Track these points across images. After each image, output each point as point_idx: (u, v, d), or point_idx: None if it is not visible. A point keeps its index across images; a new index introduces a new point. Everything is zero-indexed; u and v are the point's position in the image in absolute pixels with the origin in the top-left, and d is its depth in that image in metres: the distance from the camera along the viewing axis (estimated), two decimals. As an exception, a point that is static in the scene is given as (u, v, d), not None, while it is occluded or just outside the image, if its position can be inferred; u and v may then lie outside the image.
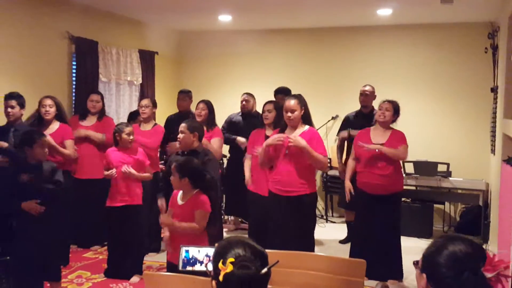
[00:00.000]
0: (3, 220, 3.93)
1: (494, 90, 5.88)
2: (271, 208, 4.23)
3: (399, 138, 4.59)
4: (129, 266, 4.54)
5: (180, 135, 4.14)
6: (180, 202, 3.43)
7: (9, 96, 4.54)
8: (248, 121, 6.07)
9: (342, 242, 5.98)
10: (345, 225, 6.15)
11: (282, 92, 5.93)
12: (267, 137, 4.71)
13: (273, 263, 1.55)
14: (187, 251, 2.38)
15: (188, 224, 3.32)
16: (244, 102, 6.16)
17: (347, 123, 5.81)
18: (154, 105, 5.53)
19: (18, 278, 3.70)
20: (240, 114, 6.23)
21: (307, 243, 4.17)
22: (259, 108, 5.77)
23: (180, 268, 2.43)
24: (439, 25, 6.81)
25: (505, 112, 4.76)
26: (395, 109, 4.66)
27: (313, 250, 4.27)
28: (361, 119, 5.52)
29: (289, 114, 4.13)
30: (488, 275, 1.44)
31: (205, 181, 3.42)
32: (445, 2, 5.46)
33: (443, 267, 1.46)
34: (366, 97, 5.68)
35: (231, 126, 6.13)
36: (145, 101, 5.42)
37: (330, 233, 6.43)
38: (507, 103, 4.77)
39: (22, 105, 4.60)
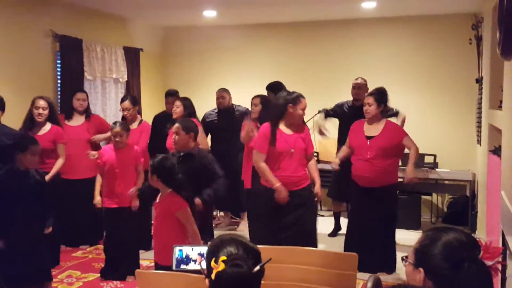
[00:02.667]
0: None
1: (479, 81, 5.93)
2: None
3: (393, 130, 4.61)
4: (125, 267, 4.48)
5: (175, 137, 4.10)
6: (157, 200, 3.47)
7: None
8: (224, 117, 6.06)
9: (330, 235, 6.01)
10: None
11: (270, 89, 5.91)
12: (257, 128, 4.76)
13: (265, 261, 1.55)
14: (180, 250, 2.37)
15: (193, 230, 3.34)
16: (220, 99, 6.11)
17: (337, 113, 5.79)
18: (135, 103, 5.44)
19: (8, 280, 3.66)
20: (216, 111, 6.20)
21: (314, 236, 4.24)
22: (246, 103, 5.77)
23: (173, 268, 2.42)
24: (423, 17, 6.85)
25: (490, 102, 4.81)
26: (378, 100, 4.65)
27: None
28: (354, 112, 5.45)
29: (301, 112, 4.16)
30: (489, 263, 1.44)
31: (176, 181, 3.43)
32: (429, -6, 5.50)
33: (439, 258, 1.45)
34: (359, 89, 5.64)
35: (207, 124, 6.06)
36: (126, 104, 5.32)
37: (319, 226, 6.46)
38: (492, 93, 4.82)
39: (1, 107, 4.47)
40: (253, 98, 5.18)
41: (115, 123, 4.55)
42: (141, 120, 5.45)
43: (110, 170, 4.43)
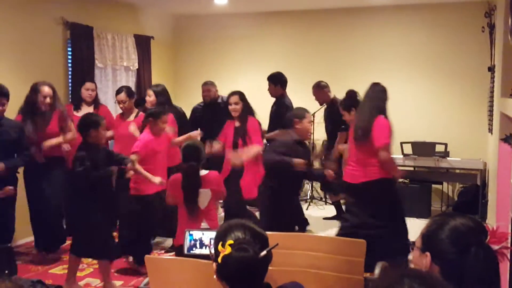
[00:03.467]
0: None
1: (491, 69, 5.86)
2: None
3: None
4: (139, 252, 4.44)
5: None
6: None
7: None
8: (210, 110, 6.07)
9: (327, 218, 6.21)
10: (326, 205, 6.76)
11: (271, 80, 6.01)
12: (236, 129, 4.82)
13: (272, 246, 1.57)
14: (191, 235, 2.40)
15: None
16: (205, 93, 6.09)
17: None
18: (131, 95, 5.22)
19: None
20: (202, 104, 6.20)
21: None
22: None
23: (185, 251, 2.45)
24: (436, 5, 6.78)
25: (503, 91, 4.75)
26: (345, 105, 4.63)
27: None
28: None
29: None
30: (495, 247, 1.44)
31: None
32: (442, -18, 5.43)
33: (446, 243, 1.46)
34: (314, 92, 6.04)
35: (195, 119, 6.06)
36: (122, 96, 5.12)
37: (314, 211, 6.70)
38: (504, 82, 4.76)
39: (6, 97, 4.31)
40: (230, 96, 5.00)
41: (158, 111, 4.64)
42: (138, 112, 5.24)
43: (150, 156, 4.40)
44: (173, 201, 3.73)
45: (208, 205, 3.62)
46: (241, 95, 5.00)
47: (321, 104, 6.17)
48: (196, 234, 2.46)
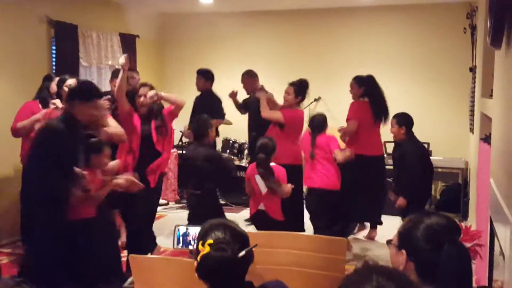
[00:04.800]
0: None
1: (472, 70, 5.95)
2: None
3: None
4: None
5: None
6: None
7: None
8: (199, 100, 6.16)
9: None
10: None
11: (201, 73, 6.13)
12: None
13: (251, 246, 1.60)
14: (178, 231, 2.42)
15: None
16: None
17: None
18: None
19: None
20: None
21: None
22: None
23: (174, 246, 2.48)
24: (419, 6, 6.86)
25: (483, 91, 4.84)
26: (297, 91, 4.91)
27: None
28: None
29: None
30: (468, 244, 1.50)
31: None
32: (425, -17, 5.51)
33: (421, 240, 1.51)
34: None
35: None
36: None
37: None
38: (484, 82, 4.84)
39: None
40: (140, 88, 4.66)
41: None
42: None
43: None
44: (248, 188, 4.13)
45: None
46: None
47: (248, 93, 6.02)
48: (182, 229, 2.48)
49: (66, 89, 4.24)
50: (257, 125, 5.57)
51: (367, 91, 5.27)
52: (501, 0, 2.39)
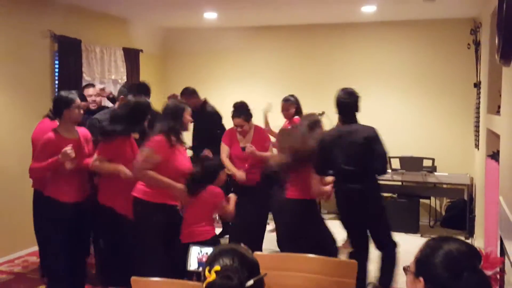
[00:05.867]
0: None
1: (477, 85, 5.94)
2: None
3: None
4: None
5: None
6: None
7: None
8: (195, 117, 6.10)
9: None
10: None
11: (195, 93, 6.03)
12: None
13: (260, 276, 1.54)
14: (198, 252, 2.37)
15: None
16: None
17: None
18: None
19: None
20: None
21: None
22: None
23: (188, 268, 2.42)
24: (422, 22, 6.87)
25: (488, 107, 4.81)
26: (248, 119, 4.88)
27: None
28: None
29: None
30: (489, 272, 1.44)
31: None
32: (428, 0, 5.51)
33: (440, 268, 1.45)
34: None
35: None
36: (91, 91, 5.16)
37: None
38: (490, 98, 4.82)
39: None
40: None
41: None
42: None
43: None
44: None
45: None
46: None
47: (194, 110, 5.88)
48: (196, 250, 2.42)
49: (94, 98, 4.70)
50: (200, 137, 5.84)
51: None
52: (509, 17, 2.37)
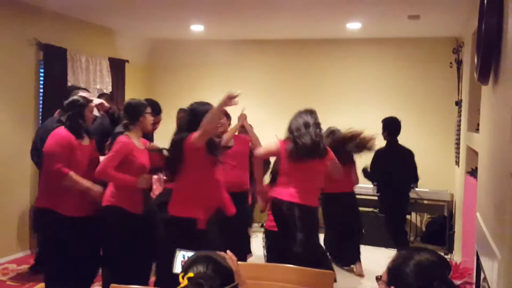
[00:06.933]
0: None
1: (458, 103, 6.05)
2: None
3: None
4: None
5: None
6: None
7: None
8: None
9: None
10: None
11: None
12: None
13: (231, 285, 1.55)
14: (183, 256, 2.36)
15: None
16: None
17: None
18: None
19: None
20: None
21: None
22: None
23: (173, 270, 2.41)
24: (406, 40, 6.99)
25: (469, 125, 4.90)
26: None
27: None
28: None
29: None
30: (457, 282, 1.48)
31: None
32: (412, 18, 5.62)
33: (411, 277, 1.49)
34: None
35: None
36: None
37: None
38: (470, 116, 4.91)
39: None
40: None
41: None
42: None
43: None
44: None
45: None
46: None
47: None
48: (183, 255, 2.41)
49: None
50: None
51: None
52: (488, 38, 2.44)
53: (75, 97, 3.93)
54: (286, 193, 3.81)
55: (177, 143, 3.54)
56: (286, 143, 3.92)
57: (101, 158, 3.91)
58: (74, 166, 3.71)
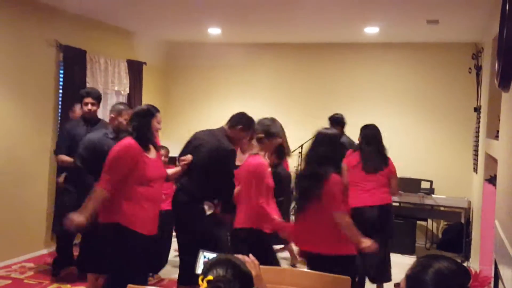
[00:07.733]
0: None
1: (477, 110, 5.98)
2: None
3: None
4: None
5: None
6: None
7: None
8: None
9: None
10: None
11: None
12: None
13: None
14: (205, 256, 2.37)
15: None
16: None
17: None
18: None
19: None
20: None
21: None
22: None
23: (196, 271, 2.41)
24: (425, 45, 6.93)
25: (488, 131, 4.84)
26: None
27: None
28: None
29: None
30: None
31: None
32: (431, 22, 5.57)
33: (430, 285, 1.47)
34: None
35: None
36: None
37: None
38: (489, 123, 4.85)
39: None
40: None
41: None
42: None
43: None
44: None
45: None
46: None
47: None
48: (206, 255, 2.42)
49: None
50: None
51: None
52: (509, 43, 2.40)
53: (143, 106, 3.59)
54: None
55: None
56: None
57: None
58: (139, 181, 3.33)
